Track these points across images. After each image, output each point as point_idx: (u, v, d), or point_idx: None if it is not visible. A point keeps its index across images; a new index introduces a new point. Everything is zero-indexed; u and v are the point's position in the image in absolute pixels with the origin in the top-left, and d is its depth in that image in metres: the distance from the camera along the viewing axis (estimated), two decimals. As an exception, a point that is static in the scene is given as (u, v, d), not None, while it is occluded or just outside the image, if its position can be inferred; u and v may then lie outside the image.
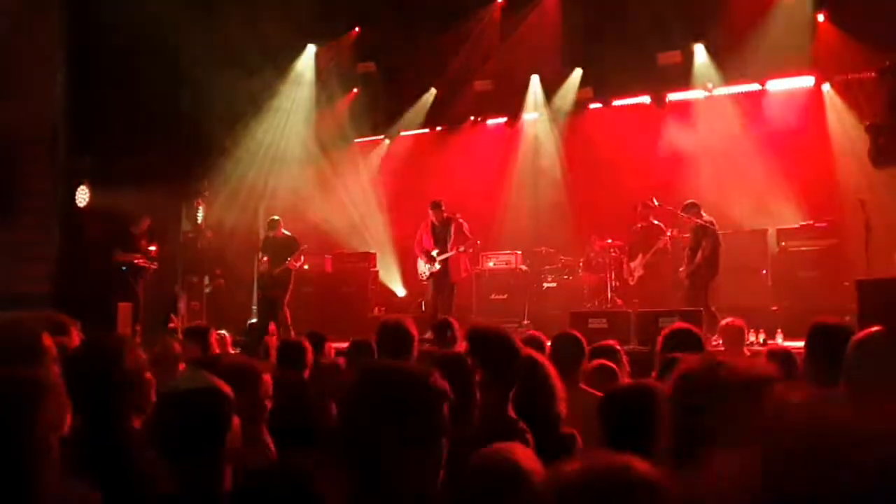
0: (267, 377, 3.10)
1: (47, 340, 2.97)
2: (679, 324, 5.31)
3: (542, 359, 3.61)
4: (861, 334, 3.07)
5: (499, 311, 12.19)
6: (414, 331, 4.47)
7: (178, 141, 12.65)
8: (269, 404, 3.11)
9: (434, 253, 11.10)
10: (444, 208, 11.13)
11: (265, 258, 11.54)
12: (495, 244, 13.29)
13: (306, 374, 4.85)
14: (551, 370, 3.55)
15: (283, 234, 11.57)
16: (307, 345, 4.99)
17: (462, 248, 11.05)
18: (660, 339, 4.75)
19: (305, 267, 12.10)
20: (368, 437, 1.89)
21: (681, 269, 10.17)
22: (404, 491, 1.90)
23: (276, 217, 11.71)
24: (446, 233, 11.04)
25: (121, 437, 2.63)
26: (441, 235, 11.09)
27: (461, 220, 11.13)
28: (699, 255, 9.88)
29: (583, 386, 4.67)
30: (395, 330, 4.43)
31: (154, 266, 11.05)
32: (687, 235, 10.52)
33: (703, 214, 10.11)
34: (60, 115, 11.16)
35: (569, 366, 4.69)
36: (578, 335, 4.97)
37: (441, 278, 11.13)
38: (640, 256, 11.18)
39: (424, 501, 1.95)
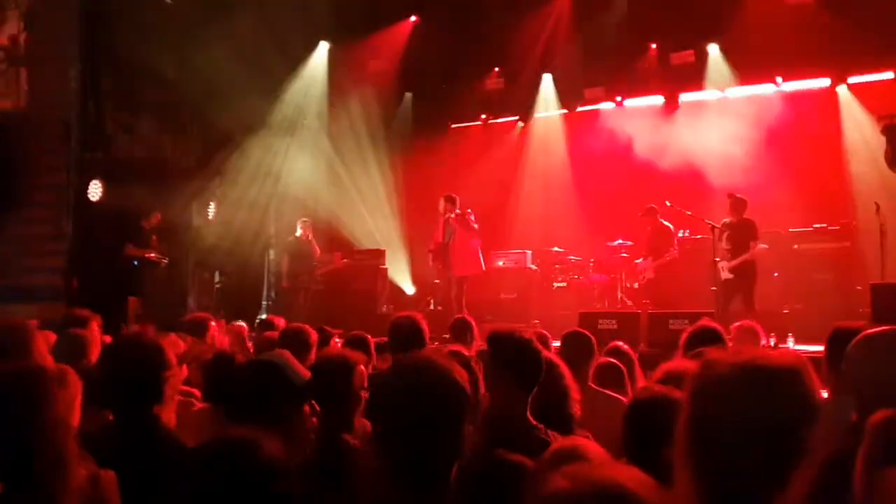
0: (361, 368, 3.09)
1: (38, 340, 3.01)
2: (705, 321, 5.20)
3: (557, 359, 3.51)
4: (867, 331, 2.97)
5: (507, 310, 12.10)
6: (425, 327, 4.47)
7: (191, 137, 12.63)
8: (364, 395, 3.12)
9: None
10: (456, 203, 11.00)
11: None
12: (505, 243, 13.21)
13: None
14: (565, 371, 3.46)
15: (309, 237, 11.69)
16: (312, 332, 4.94)
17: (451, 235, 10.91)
18: (683, 337, 4.67)
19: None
20: (404, 422, 2.01)
21: (721, 263, 9.72)
22: (437, 474, 2.01)
23: (304, 218, 11.79)
24: (452, 226, 10.96)
25: (156, 429, 2.73)
26: (447, 228, 11.01)
27: (468, 215, 10.98)
28: (749, 251, 9.63)
29: (591, 384, 4.61)
30: (407, 326, 4.43)
31: (165, 261, 11.02)
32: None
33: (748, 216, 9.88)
34: (74, 110, 11.13)
35: (578, 364, 4.62)
36: (588, 333, 4.91)
37: (448, 273, 11.10)
38: (649, 259, 11.07)
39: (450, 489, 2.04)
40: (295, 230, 12.13)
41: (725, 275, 9.66)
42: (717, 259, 9.66)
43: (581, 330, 4.98)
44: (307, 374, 2.81)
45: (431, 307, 12.54)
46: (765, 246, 9.92)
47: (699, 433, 1.58)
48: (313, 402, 2.80)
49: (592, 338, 4.88)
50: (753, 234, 9.65)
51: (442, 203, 10.99)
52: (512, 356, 3.09)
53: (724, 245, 9.70)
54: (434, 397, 2.02)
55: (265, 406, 2.73)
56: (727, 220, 9.79)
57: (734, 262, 9.59)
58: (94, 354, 4.63)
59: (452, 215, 10.86)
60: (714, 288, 9.76)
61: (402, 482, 2.01)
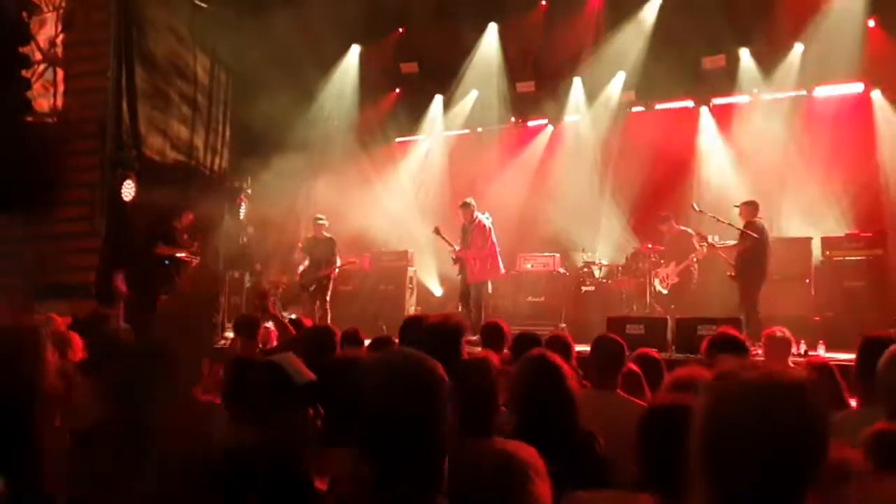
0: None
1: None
2: (725, 329, 5.16)
3: (557, 359, 3.44)
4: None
5: (535, 313, 12.09)
6: (463, 333, 4.31)
7: (223, 137, 12.75)
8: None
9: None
10: (473, 208, 10.96)
11: (305, 260, 11.65)
12: (533, 246, 13.18)
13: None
14: (567, 371, 3.40)
15: (324, 235, 11.63)
16: (335, 332, 4.96)
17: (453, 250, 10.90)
18: (704, 344, 4.63)
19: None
20: (386, 418, 1.95)
21: (730, 273, 9.96)
22: (420, 475, 1.95)
23: (319, 216, 11.75)
24: (469, 233, 10.94)
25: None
26: (465, 235, 11.00)
27: (483, 222, 10.92)
28: (737, 254, 9.69)
29: (620, 392, 4.56)
30: (444, 330, 4.24)
31: (196, 260, 11.12)
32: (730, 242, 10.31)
33: (757, 219, 9.83)
34: (109, 110, 11.28)
35: (608, 370, 4.58)
36: (619, 339, 4.84)
37: (463, 278, 11.10)
38: (672, 264, 11.03)
39: (437, 488, 1.97)
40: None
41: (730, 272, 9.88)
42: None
43: (611, 335, 4.91)
44: (311, 375, 2.81)
45: (459, 309, 12.54)
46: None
47: (708, 447, 1.59)
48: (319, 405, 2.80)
49: (623, 343, 4.82)
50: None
51: (460, 210, 11.00)
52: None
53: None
54: (415, 392, 1.97)
55: (264, 405, 2.76)
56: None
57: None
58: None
59: (474, 222, 10.84)
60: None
61: (389, 486, 1.94)
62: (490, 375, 3.13)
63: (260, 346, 5.77)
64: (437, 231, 11.30)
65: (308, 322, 6.42)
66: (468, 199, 11.03)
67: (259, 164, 12.59)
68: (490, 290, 11.29)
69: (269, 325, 6.57)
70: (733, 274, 9.78)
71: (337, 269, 11.61)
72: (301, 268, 11.82)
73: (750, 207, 9.85)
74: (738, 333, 4.70)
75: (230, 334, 8.42)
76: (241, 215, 12.83)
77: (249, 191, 12.99)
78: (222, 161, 13.19)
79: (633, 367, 5.01)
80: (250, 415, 2.91)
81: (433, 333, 3.69)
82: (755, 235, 9.60)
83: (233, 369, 3.62)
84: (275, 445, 2.41)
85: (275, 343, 6.16)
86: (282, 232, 13.31)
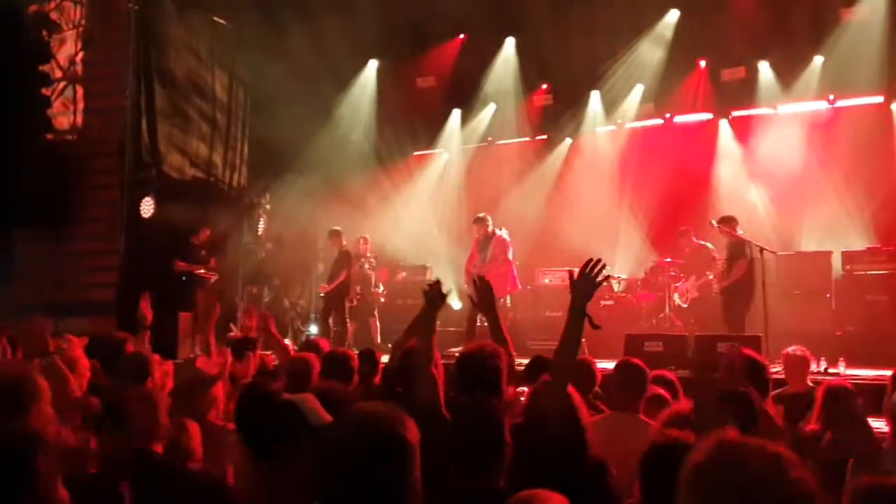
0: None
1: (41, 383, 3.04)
2: (747, 351, 5.11)
3: (572, 391, 3.44)
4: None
5: (553, 328, 11.95)
6: (504, 366, 4.09)
7: (241, 154, 12.83)
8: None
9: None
10: (488, 223, 10.92)
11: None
12: (552, 260, 13.14)
13: (351, 387, 4.86)
14: (576, 399, 3.40)
15: (340, 247, 11.67)
16: (353, 358, 4.95)
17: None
18: (723, 370, 4.59)
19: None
20: (344, 482, 1.93)
21: (714, 285, 9.91)
22: None
23: (336, 227, 11.78)
24: (489, 248, 10.88)
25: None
26: (483, 250, 10.95)
27: (502, 236, 10.88)
28: (734, 271, 9.59)
29: (642, 416, 4.53)
30: (480, 363, 3.83)
31: (214, 277, 11.19)
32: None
33: (739, 230, 9.78)
34: (128, 128, 11.40)
35: (630, 395, 4.56)
36: (641, 364, 4.81)
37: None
38: (692, 278, 10.96)
39: None
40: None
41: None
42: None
43: (634, 361, 4.88)
44: (328, 418, 2.83)
45: (479, 323, 12.52)
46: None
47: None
48: None
49: (646, 369, 4.80)
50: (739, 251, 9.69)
51: (474, 225, 10.94)
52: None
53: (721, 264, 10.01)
54: (373, 456, 1.94)
55: (281, 444, 2.77)
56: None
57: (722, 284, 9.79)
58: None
59: (492, 237, 10.77)
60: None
61: None
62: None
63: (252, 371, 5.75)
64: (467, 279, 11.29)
65: (325, 344, 6.40)
66: (482, 214, 10.99)
67: (277, 180, 12.65)
68: (509, 304, 11.23)
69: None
70: (719, 286, 9.70)
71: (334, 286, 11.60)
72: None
73: (732, 223, 9.74)
74: (758, 355, 4.67)
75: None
76: (260, 231, 12.89)
77: (268, 206, 13.05)
78: (240, 177, 13.28)
79: (659, 390, 4.96)
80: (262, 449, 2.92)
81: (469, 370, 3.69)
82: (760, 251, 9.57)
83: (248, 402, 3.63)
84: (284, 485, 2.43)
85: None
86: (300, 248, 13.36)
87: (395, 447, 1.97)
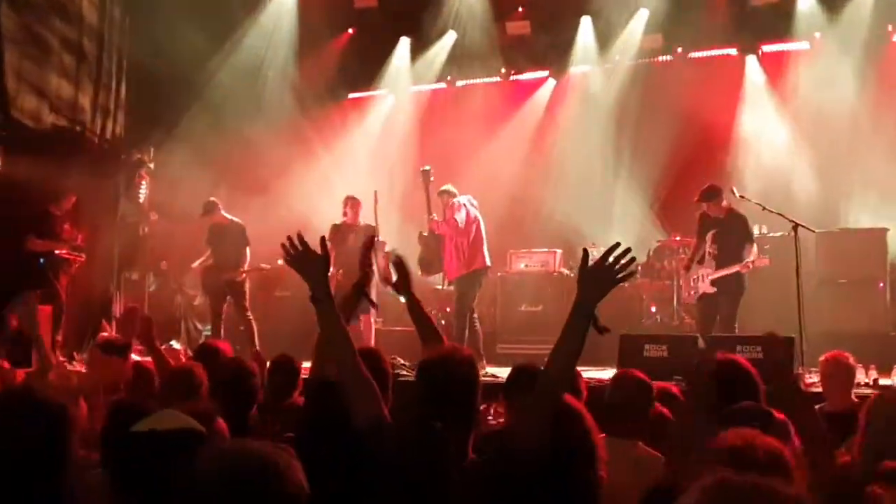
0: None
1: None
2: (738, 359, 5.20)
3: (577, 404, 3.48)
4: None
5: (530, 326, 12.09)
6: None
7: (119, 97, 12.67)
8: None
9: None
10: (453, 194, 10.86)
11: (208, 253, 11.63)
12: (529, 240, 13.22)
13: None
14: (589, 421, 3.43)
15: (229, 220, 11.56)
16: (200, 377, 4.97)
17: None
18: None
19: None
20: None
21: (701, 272, 9.98)
22: None
23: (212, 199, 11.71)
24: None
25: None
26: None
27: (459, 201, 10.80)
28: (747, 254, 9.71)
29: (642, 445, 4.60)
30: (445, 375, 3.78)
31: (81, 259, 11.08)
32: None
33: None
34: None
35: (630, 418, 4.62)
36: (644, 378, 4.86)
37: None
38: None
39: None
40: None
41: (704, 287, 9.88)
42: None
43: (635, 374, 4.92)
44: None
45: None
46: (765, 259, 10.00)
47: None
48: None
49: (650, 384, 4.85)
50: (747, 234, 9.77)
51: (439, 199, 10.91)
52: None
53: (708, 247, 9.92)
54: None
55: (149, 481, 2.80)
56: (709, 214, 9.95)
57: (718, 272, 9.78)
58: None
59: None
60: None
61: None
62: None
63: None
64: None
65: (226, 348, 6.40)
66: (447, 186, 10.93)
67: (165, 130, 12.52)
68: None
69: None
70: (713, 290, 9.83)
71: (244, 274, 11.51)
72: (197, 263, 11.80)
73: (716, 196, 9.86)
74: (752, 369, 4.72)
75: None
76: (142, 198, 12.78)
77: (152, 165, 12.95)
78: (117, 127, 13.12)
79: (662, 409, 5.03)
80: (129, 483, 2.95)
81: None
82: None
83: (114, 424, 3.63)
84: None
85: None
86: (195, 219, 13.24)
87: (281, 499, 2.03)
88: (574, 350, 3.20)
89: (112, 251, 12.64)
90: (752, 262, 9.63)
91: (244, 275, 11.47)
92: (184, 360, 7.88)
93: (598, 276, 3.19)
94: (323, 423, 4.03)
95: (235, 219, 11.63)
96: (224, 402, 4.45)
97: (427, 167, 10.80)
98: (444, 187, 10.91)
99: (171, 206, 12.98)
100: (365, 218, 11.31)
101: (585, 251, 3.30)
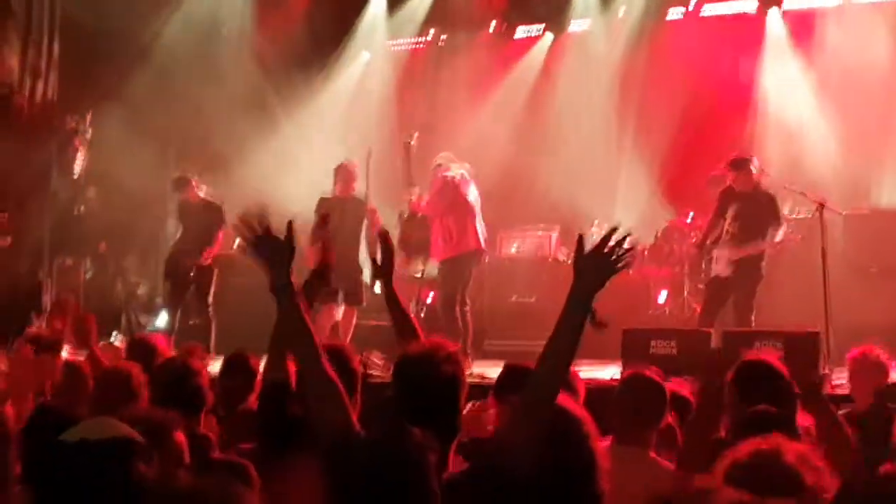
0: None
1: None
2: (763, 355, 5.25)
3: (576, 408, 3.51)
4: None
5: (522, 320, 12.10)
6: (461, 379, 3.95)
7: (50, 55, 12.62)
8: None
9: None
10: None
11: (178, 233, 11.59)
12: (522, 218, 13.24)
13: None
14: (588, 427, 3.46)
15: (201, 198, 11.54)
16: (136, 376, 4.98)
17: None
18: (728, 378, 4.73)
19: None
20: None
21: (716, 253, 9.99)
22: None
23: (185, 175, 11.67)
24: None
25: None
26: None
27: (441, 175, 10.58)
28: (770, 232, 9.76)
29: (653, 455, 4.65)
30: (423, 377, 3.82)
31: (6, 243, 11.06)
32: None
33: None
34: None
35: (640, 423, 4.67)
36: (658, 381, 4.90)
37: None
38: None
39: None
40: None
41: (719, 269, 9.90)
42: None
43: (648, 375, 4.96)
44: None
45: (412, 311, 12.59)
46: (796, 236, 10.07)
47: None
48: None
49: (664, 387, 4.89)
50: (774, 213, 9.77)
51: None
52: None
53: (728, 226, 9.90)
54: None
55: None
56: (734, 188, 9.94)
57: (740, 253, 9.76)
58: None
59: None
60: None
61: None
62: None
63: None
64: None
65: (162, 343, 6.42)
66: (441, 157, 10.82)
67: (103, 94, 12.50)
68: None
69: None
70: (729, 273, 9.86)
71: (209, 260, 11.49)
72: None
73: (745, 166, 9.89)
74: (781, 366, 4.78)
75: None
76: (77, 171, 12.75)
77: (88, 134, 12.90)
78: (48, 89, 13.07)
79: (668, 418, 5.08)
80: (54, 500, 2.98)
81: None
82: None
83: (35, 432, 3.66)
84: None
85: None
86: (139, 196, 13.23)
87: None
88: (569, 348, 3.19)
89: (42, 232, 12.61)
90: (781, 241, 9.67)
91: (210, 261, 11.45)
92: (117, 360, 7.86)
93: (597, 264, 3.18)
94: (277, 432, 4.05)
95: (210, 198, 11.60)
96: (166, 408, 4.48)
97: (411, 138, 10.76)
98: (439, 156, 10.77)
99: (111, 180, 12.95)
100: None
101: (580, 236, 3.25)
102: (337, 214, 10.53)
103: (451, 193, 10.41)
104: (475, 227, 10.56)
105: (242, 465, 3.90)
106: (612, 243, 3.16)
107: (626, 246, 3.17)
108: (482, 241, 10.65)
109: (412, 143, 10.65)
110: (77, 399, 5.22)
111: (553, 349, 3.19)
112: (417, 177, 10.74)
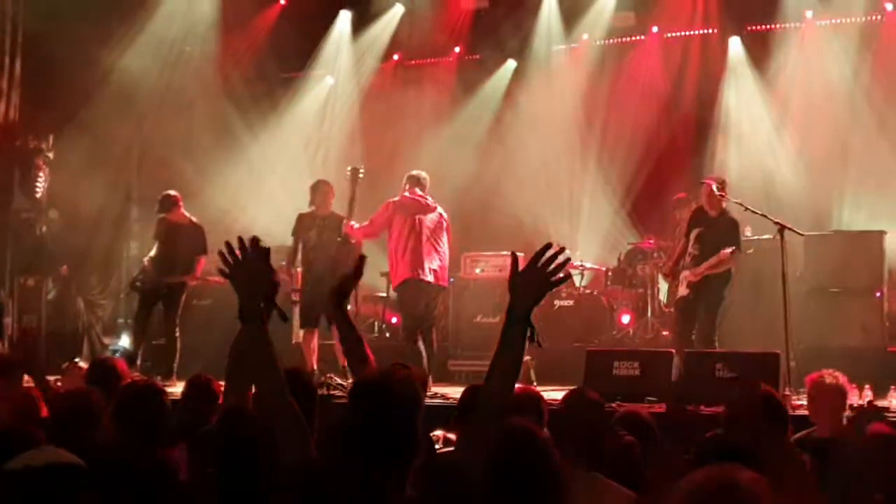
0: None
1: None
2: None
3: (530, 425, 3.52)
4: None
5: (484, 342, 12.01)
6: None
7: (10, 75, 12.54)
8: None
9: None
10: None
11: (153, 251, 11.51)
12: (485, 241, 13.23)
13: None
14: (545, 443, 3.47)
15: (188, 218, 11.47)
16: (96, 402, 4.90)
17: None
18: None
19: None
20: None
21: (685, 272, 9.91)
22: None
23: (171, 192, 11.58)
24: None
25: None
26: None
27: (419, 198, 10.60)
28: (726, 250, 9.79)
29: (602, 477, 4.63)
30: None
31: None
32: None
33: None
34: None
35: (586, 444, 4.64)
36: (596, 398, 4.89)
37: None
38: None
39: None
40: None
41: (682, 290, 9.93)
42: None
43: (586, 394, 4.95)
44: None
45: (375, 333, 12.61)
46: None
47: None
48: None
49: (604, 404, 4.88)
50: (733, 237, 9.79)
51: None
52: None
53: (690, 247, 9.95)
54: None
55: None
56: (704, 210, 9.96)
57: (696, 273, 9.77)
58: None
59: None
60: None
61: None
62: None
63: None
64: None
65: (121, 365, 6.33)
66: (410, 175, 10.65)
67: (66, 115, 12.41)
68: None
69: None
70: (695, 272, 9.78)
71: (194, 281, 11.41)
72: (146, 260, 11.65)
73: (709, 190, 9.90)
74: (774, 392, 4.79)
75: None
76: (39, 192, 12.66)
77: (51, 155, 12.82)
78: (10, 109, 12.97)
79: (628, 437, 5.05)
80: None
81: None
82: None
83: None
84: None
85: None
86: (101, 219, 13.16)
87: None
88: (512, 363, 3.28)
89: (3, 253, 12.52)
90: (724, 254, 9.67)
91: (193, 282, 11.36)
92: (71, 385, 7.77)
93: (531, 280, 3.26)
94: (234, 458, 3.99)
95: (195, 219, 11.51)
96: (127, 432, 4.41)
97: (357, 166, 10.63)
98: (413, 175, 10.58)
99: (74, 202, 12.88)
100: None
101: (514, 255, 3.34)
102: (315, 232, 10.54)
103: (383, 218, 10.22)
104: (410, 256, 10.18)
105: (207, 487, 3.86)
106: (542, 261, 3.23)
107: (559, 260, 3.23)
108: (420, 270, 10.17)
109: (359, 173, 10.52)
110: (28, 426, 5.14)
111: (497, 366, 3.26)
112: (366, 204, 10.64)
